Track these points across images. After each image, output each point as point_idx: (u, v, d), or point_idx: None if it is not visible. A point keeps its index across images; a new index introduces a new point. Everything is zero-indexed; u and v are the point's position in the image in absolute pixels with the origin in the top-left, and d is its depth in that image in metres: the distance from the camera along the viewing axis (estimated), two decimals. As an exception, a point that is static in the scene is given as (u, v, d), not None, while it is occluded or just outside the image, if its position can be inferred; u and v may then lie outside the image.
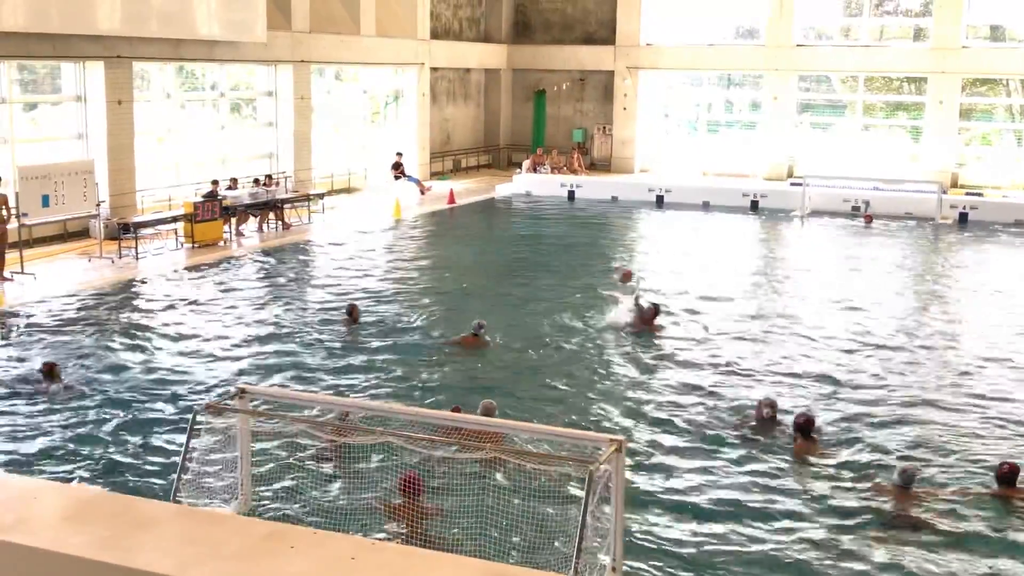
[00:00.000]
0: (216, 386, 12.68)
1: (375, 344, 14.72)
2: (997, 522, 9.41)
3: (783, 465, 10.56)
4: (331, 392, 12.36)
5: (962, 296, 19.26)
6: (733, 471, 10.38)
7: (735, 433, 11.28)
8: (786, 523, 9.29)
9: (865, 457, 10.78)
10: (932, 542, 8.96)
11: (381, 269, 20.72)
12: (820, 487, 10.02)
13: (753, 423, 11.44)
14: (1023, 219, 27.31)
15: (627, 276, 18.75)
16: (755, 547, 8.84)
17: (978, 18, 34.09)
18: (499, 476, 9.28)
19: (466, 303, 17.49)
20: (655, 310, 15.79)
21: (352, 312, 15.78)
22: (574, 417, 11.78)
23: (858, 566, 8.53)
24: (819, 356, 14.54)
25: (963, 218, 27.69)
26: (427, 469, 9.22)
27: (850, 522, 9.30)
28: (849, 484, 10.09)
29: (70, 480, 9.82)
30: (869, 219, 27.41)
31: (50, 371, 12.60)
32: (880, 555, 8.72)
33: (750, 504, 9.65)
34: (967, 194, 30.12)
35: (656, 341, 15.13)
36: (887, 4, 35.66)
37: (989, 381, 13.68)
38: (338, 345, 14.65)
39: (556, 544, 7.92)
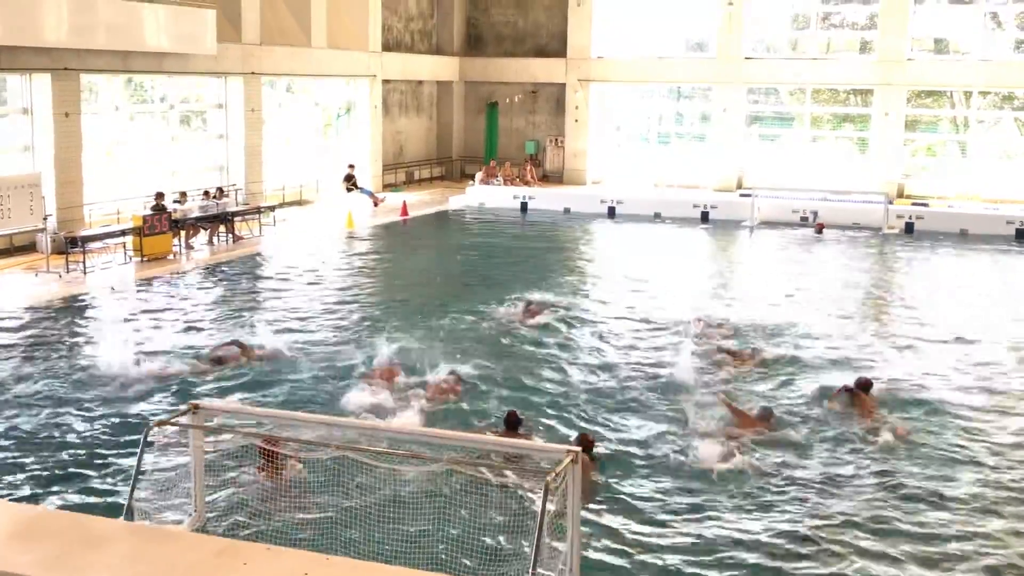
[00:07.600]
0: (168, 401, 12.53)
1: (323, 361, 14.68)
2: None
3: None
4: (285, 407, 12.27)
5: (907, 299, 19.62)
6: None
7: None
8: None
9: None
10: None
11: (332, 281, 20.59)
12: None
13: None
14: (968, 229, 27.82)
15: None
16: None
17: (922, 31, 34.71)
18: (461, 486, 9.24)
19: (418, 317, 17.46)
20: (769, 413, 12.37)
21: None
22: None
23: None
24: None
25: (909, 228, 28.12)
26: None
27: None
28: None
29: (18, 498, 9.67)
30: (820, 228, 27.77)
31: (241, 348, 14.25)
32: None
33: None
34: (913, 204, 30.65)
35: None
36: (834, 17, 36.19)
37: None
38: (294, 358, 14.58)
39: (513, 555, 7.92)
